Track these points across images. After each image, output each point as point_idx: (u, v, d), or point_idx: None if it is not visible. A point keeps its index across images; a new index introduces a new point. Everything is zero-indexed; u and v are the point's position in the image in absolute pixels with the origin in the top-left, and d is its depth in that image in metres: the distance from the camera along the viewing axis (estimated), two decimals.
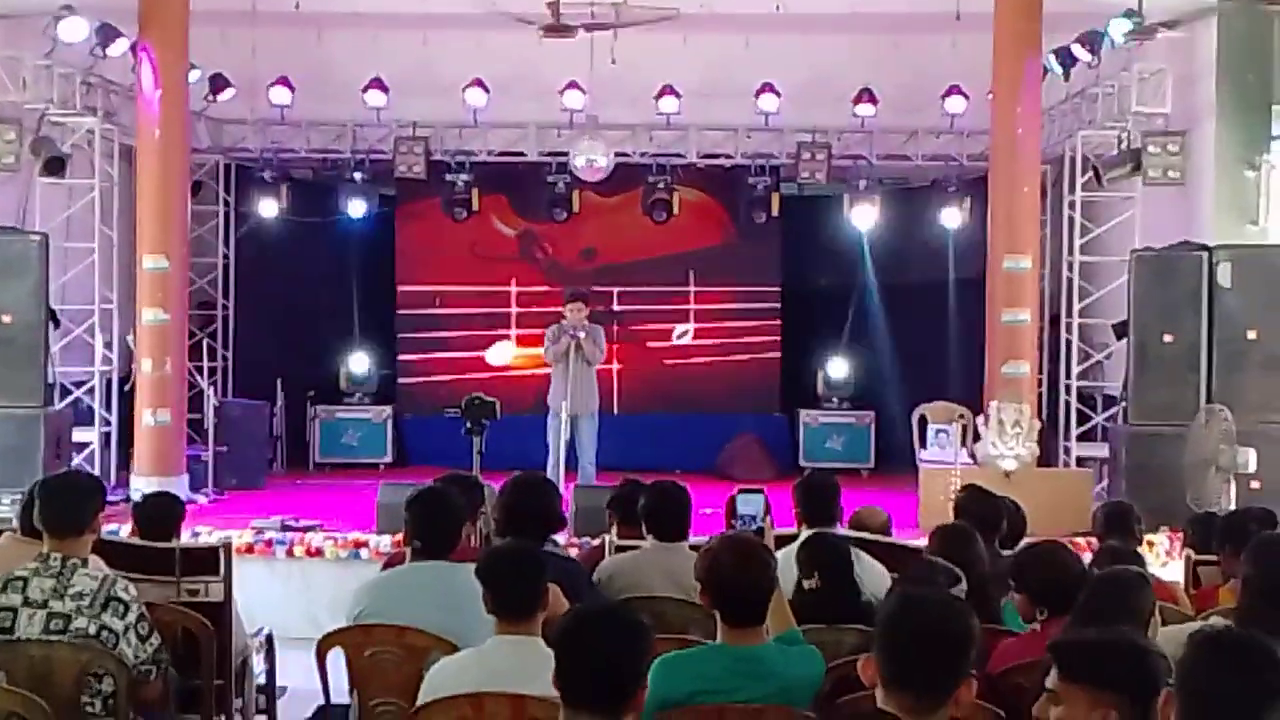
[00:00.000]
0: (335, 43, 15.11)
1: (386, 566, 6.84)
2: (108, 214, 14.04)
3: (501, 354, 16.55)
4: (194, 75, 14.03)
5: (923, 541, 7.08)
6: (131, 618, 5.48)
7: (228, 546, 6.94)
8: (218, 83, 15.07)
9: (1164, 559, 10.63)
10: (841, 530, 7.00)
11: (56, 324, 13.13)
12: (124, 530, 8.47)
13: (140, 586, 5.79)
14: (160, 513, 7.29)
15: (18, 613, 5.38)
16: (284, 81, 15.44)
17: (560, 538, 9.40)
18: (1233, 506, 10.04)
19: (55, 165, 13.14)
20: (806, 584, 5.61)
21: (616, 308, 16.85)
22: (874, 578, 6.22)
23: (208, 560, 6.78)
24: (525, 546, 5.24)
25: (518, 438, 12.81)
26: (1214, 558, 7.23)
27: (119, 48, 13.11)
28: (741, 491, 6.35)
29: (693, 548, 6.32)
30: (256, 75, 15.09)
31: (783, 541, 6.26)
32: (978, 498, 7.30)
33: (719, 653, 4.68)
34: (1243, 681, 3.27)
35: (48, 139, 13.20)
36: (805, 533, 6.51)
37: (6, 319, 12.46)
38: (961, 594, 5.34)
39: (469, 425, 11.09)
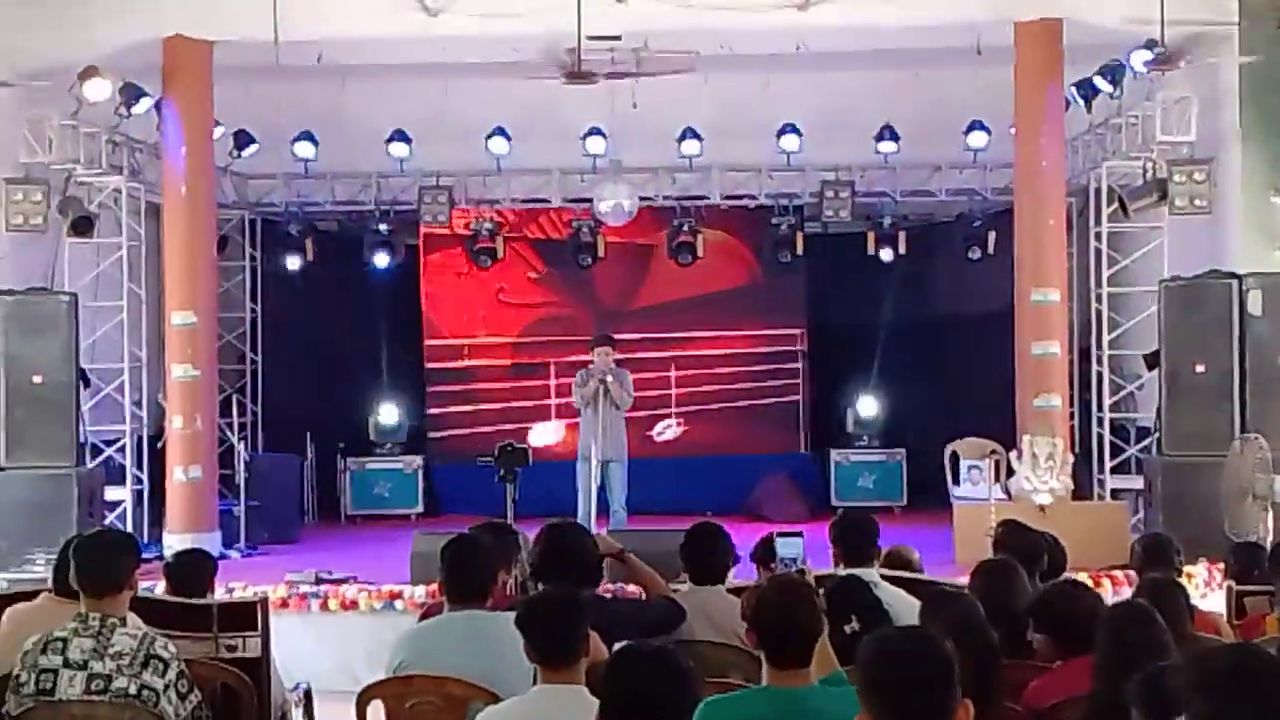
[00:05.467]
0: (357, 94, 15.15)
1: (424, 617, 6.80)
2: (135, 272, 14.09)
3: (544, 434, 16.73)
4: (218, 131, 14.15)
5: (962, 579, 7.02)
6: (171, 675, 5.44)
7: (264, 601, 6.90)
8: (242, 138, 15.17)
9: (1203, 590, 10.50)
10: (878, 570, 6.94)
11: (87, 383, 13.16)
12: (159, 588, 8.44)
13: (178, 643, 5.77)
14: (191, 570, 7.24)
15: (59, 674, 5.34)
16: (307, 135, 15.54)
17: None
18: (1271, 535, 9.94)
19: (83, 225, 13.21)
20: (847, 629, 5.55)
21: (643, 355, 16.81)
22: (905, 609, 6.15)
23: (245, 615, 6.73)
24: (563, 592, 5.19)
25: (549, 484, 12.80)
26: (1257, 588, 7.16)
27: (143, 106, 13.21)
28: (780, 535, 6.27)
29: (731, 590, 6.28)
30: (280, 129, 15.17)
31: (822, 582, 6.21)
32: (1017, 532, 7.24)
33: (765, 695, 4.62)
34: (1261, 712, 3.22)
35: (75, 199, 13.27)
36: (841, 572, 6.46)
37: (37, 379, 12.51)
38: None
39: (502, 473, 11.06)
